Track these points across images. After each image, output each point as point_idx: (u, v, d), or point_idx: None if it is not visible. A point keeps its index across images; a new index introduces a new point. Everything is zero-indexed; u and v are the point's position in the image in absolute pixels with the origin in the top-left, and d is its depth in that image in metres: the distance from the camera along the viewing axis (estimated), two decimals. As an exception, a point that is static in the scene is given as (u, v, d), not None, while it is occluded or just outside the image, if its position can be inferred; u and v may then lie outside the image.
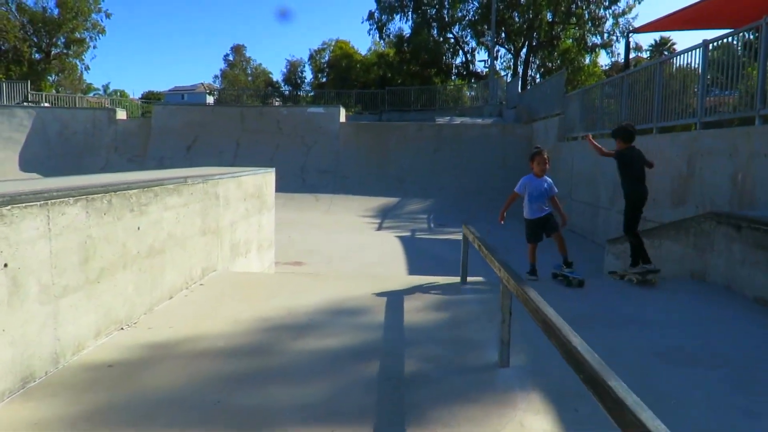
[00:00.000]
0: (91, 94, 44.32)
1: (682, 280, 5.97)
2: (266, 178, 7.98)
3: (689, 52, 8.55)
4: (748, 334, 4.11)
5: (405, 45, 36.25)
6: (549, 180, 5.81)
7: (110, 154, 19.31)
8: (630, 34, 17.83)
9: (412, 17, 35.86)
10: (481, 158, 18.30)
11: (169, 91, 70.67)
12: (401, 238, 12.54)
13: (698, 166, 7.93)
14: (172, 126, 19.72)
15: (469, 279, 5.58)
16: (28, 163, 18.52)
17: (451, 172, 18.19)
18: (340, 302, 4.66)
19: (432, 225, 14.67)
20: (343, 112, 20.38)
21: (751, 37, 7.04)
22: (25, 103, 22.63)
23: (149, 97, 57.22)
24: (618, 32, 32.37)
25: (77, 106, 26.30)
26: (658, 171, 9.24)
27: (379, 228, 14.06)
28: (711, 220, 5.68)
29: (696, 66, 8.34)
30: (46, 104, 23.67)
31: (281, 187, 18.58)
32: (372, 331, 3.92)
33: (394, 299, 4.75)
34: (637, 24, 30.10)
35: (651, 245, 6.95)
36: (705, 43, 8.06)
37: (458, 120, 21.57)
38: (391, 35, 37.13)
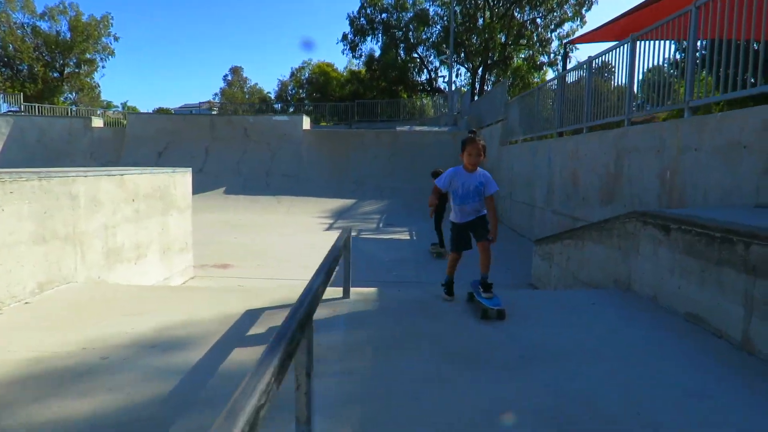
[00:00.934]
0: (111, 111, 42.77)
1: (605, 291, 4.59)
2: (175, 178, 6.45)
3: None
4: (681, 380, 2.71)
5: (375, 63, 34.86)
6: (486, 175, 3.80)
7: (86, 159, 17.54)
8: (568, 46, 16.55)
9: (381, 39, 34.52)
10: (434, 162, 16.85)
11: (179, 108, 68.57)
12: (347, 238, 11.05)
13: (626, 164, 6.58)
14: (145, 133, 17.99)
15: (357, 290, 4.14)
16: (6, 166, 16.71)
17: (405, 176, 16.82)
18: (169, 329, 3.17)
19: (381, 225, 13.24)
20: (306, 120, 18.84)
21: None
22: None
23: (160, 113, 55.67)
24: (563, 52, 31.29)
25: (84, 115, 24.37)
26: (588, 169, 7.91)
27: (329, 228, 12.58)
28: (636, 220, 4.29)
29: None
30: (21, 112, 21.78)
31: (246, 190, 17.22)
32: (163, 383, 2.43)
33: (240, 326, 3.28)
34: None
35: (574, 246, 5.57)
36: (589, 60, 6.86)
37: (417, 128, 20.21)
38: (363, 54, 35.72)
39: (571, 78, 9.46)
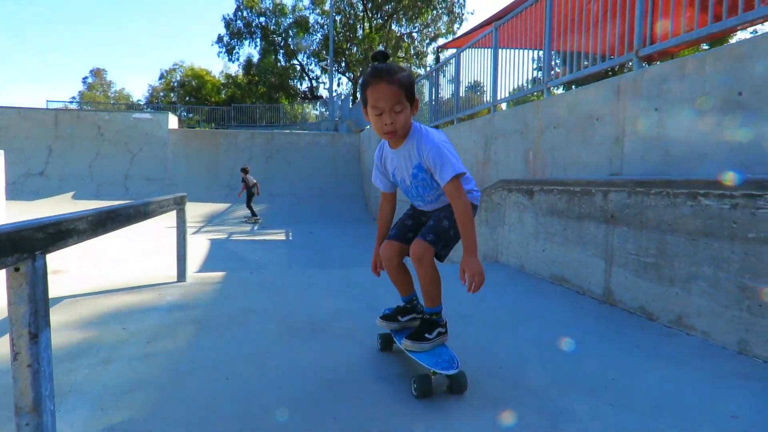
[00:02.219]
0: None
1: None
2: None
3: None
4: (545, 336, 2.48)
5: (254, 68, 33.60)
6: (426, 147, 1.72)
7: None
8: (440, 50, 17.18)
9: (260, 43, 33.42)
10: (313, 165, 16.46)
11: (44, 110, 60.25)
12: (213, 240, 10.11)
13: (493, 149, 6.66)
14: (-33, 130, 15.14)
15: (198, 275, 3.49)
16: None
17: (283, 179, 16.07)
18: None
19: (256, 228, 12.36)
20: (173, 118, 17.28)
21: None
22: None
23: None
24: (435, 56, 32.78)
25: None
26: (462, 159, 7.96)
27: (197, 232, 11.43)
28: (502, 188, 4.17)
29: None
30: None
31: (101, 195, 15.18)
32: None
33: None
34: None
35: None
36: (457, 52, 6.95)
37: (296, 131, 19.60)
38: (240, 58, 34.29)
39: (443, 73, 9.59)
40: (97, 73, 59.34)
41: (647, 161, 3.64)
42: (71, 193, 14.93)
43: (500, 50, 6.84)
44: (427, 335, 1.78)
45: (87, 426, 1.45)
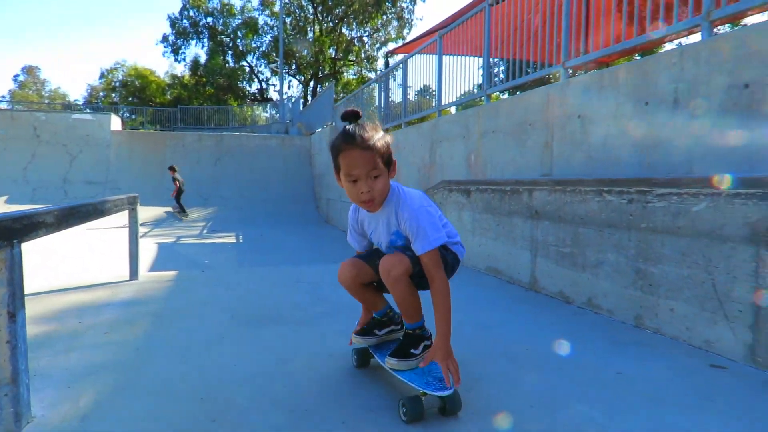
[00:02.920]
0: None
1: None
2: None
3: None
4: (480, 318, 2.78)
5: (201, 69, 32.93)
6: (406, 213, 1.61)
7: None
8: (389, 55, 17.57)
9: (207, 43, 32.78)
10: (263, 168, 16.39)
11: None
12: (162, 244, 9.96)
13: (438, 152, 7.01)
14: None
15: (150, 274, 3.58)
16: None
17: (232, 182, 15.92)
18: None
19: (205, 231, 12.24)
20: (116, 119, 16.77)
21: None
22: None
23: None
24: (385, 61, 33.24)
25: None
26: (408, 162, 8.28)
27: (144, 236, 11.19)
28: (443, 188, 4.50)
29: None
30: None
31: (37, 199, 14.52)
32: None
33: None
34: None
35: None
36: (404, 59, 7.32)
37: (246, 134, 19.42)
38: (187, 59, 33.51)
39: (393, 77, 9.91)
40: (29, 70, 56.29)
41: (572, 163, 4.04)
42: (4, 198, 14.21)
43: (447, 57, 7.21)
44: (413, 350, 1.65)
45: (57, 401, 1.59)
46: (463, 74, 6.68)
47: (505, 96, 6.45)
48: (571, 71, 4.49)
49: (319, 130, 15.75)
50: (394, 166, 1.62)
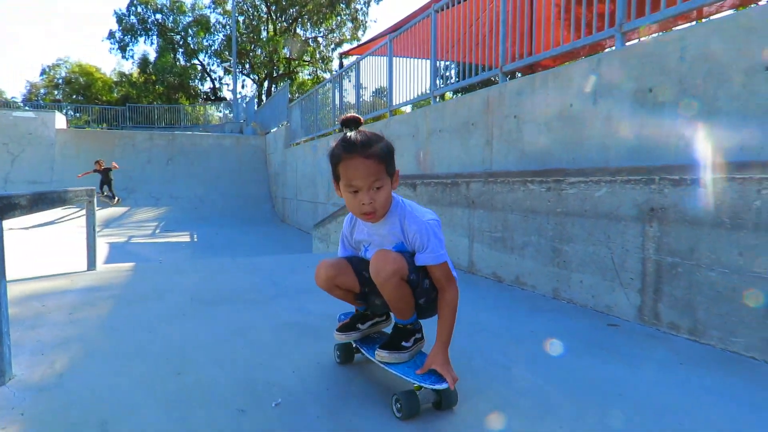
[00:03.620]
0: None
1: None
2: None
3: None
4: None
5: (150, 67, 32.06)
6: (414, 223, 1.52)
7: None
8: (342, 56, 17.83)
9: (157, 41, 31.95)
10: (217, 168, 16.27)
11: None
12: (113, 244, 9.81)
13: (390, 150, 7.32)
14: None
15: (108, 265, 3.69)
16: None
17: (185, 181, 15.73)
18: None
19: (158, 231, 12.09)
20: (61, 118, 16.23)
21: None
22: None
23: None
24: (339, 62, 33.42)
25: None
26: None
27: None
28: (391, 184, 4.82)
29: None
30: None
31: (-25, 199, 13.94)
32: None
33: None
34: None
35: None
36: (357, 60, 7.64)
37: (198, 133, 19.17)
38: (135, 56, 32.54)
39: (348, 78, 10.16)
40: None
41: (509, 159, 4.42)
42: (-62, 198, 13.51)
43: (398, 59, 7.52)
44: (404, 343, 1.59)
45: (33, 364, 1.76)
46: (413, 76, 7.02)
47: (455, 96, 6.81)
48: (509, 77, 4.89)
49: (274, 129, 15.80)
50: (397, 176, 1.54)
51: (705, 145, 2.49)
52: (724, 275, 1.94)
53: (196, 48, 32.57)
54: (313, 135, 11.93)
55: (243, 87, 34.28)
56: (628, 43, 3.55)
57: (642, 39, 3.51)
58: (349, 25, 31.60)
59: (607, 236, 2.47)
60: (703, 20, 3.68)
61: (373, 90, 9.02)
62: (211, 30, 32.24)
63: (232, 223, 13.67)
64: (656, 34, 4.02)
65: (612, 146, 3.27)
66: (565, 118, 3.69)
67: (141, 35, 31.72)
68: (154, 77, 31.76)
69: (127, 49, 31.68)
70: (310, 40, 32.30)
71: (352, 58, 11.07)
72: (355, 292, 1.69)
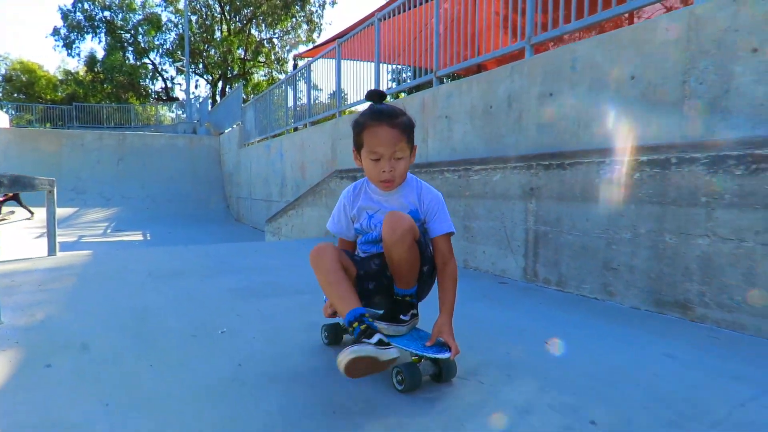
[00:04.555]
0: None
1: (315, 239, 5.43)
2: None
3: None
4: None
5: (98, 65, 31.24)
6: (424, 192, 1.69)
7: None
8: (296, 58, 18.16)
9: (105, 39, 31.16)
10: (170, 168, 16.24)
11: None
12: (63, 243, 9.77)
13: (339, 149, 7.77)
14: None
15: (67, 252, 3.98)
16: None
17: (137, 182, 15.64)
18: None
19: (109, 231, 12.08)
20: (4, 117, 15.81)
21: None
22: None
23: None
24: (293, 64, 33.58)
25: None
26: (312, 159, 8.98)
27: (42, 236, 10.88)
28: (335, 177, 5.27)
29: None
30: None
31: None
32: None
33: None
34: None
35: (296, 215, 6.34)
36: (308, 63, 8.10)
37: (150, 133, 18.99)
38: (81, 54, 31.59)
39: (304, 79, 10.55)
40: None
41: (442, 155, 4.96)
42: None
43: (348, 62, 7.98)
44: (402, 317, 1.62)
45: (16, 317, 2.12)
46: (361, 78, 7.51)
47: (398, 97, 7.33)
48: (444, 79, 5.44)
49: (228, 130, 15.94)
50: (415, 151, 1.61)
51: (575, 138, 3.08)
52: (577, 237, 2.52)
53: (146, 47, 31.99)
54: (267, 135, 12.23)
55: (196, 87, 33.92)
56: (536, 54, 4.16)
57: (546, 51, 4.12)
58: (305, 27, 31.84)
59: (502, 213, 3.02)
60: (592, 36, 4.33)
61: (330, 92, 9.44)
62: (163, 29, 31.76)
63: (185, 222, 13.75)
64: (558, 47, 4.67)
65: (522, 142, 3.85)
66: (487, 118, 4.26)
67: (88, 32, 30.87)
68: (102, 76, 30.97)
69: (73, 46, 30.78)
70: (265, 41, 32.33)
71: (308, 60, 11.46)
72: (352, 275, 1.57)
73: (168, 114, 28.72)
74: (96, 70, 31.11)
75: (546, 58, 3.72)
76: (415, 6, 5.82)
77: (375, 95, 1.63)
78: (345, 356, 1.24)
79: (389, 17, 6.49)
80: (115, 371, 1.52)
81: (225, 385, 1.42)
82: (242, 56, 32.30)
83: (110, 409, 1.27)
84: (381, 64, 6.90)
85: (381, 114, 1.54)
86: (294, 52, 32.39)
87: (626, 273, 2.28)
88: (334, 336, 1.78)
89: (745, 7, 2.33)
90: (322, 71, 9.08)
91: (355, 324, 1.33)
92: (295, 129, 10.68)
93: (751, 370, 1.55)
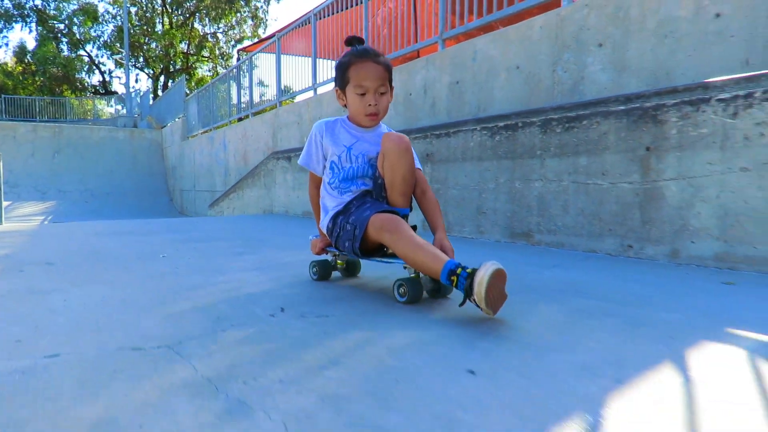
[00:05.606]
0: None
1: (257, 215, 5.87)
2: None
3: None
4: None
5: (28, 56, 29.87)
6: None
7: None
8: (240, 53, 18.30)
9: (37, 29, 29.83)
10: (110, 161, 16.03)
11: None
12: (-3, 233, 9.68)
13: (279, 137, 8.21)
14: None
15: (8, 224, 4.25)
16: None
17: (74, 175, 15.35)
18: None
19: (45, 224, 11.91)
20: (-74, 107, 15.08)
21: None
22: None
23: None
24: (237, 57, 33.35)
25: None
26: (254, 148, 9.36)
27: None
28: (272, 158, 5.73)
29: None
30: None
31: None
32: None
33: None
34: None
35: (237, 197, 6.74)
36: (250, 56, 8.49)
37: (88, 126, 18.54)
38: (9, 44, 30.10)
39: (249, 72, 10.86)
40: None
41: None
42: None
43: (288, 56, 8.41)
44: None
45: (-18, 252, 2.50)
46: (302, 71, 7.98)
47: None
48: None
49: (171, 123, 15.92)
50: (392, 92, 1.74)
51: (467, 113, 3.73)
52: (459, 191, 3.15)
53: (82, 38, 30.88)
54: (210, 127, 12.43)
55: (137, 81, 33.08)
56: (446, 48, 4.80)
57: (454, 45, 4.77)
58: (250, 22, 31.74)
59: (406, 177, 3.62)
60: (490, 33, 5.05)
61: (266, 84, 9.80)
62: (100, 20, 30.76)
63: (127, 216, 13.69)
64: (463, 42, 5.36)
65: (435, 123, 4.48)
66: (408, 104, 4.86)
67: (17, 21, 29.49)
68: (33, 67, 29.65)
69: (0, 35, 29.33)
70: (209, 36, 31.97)
71: (250, 54, 11.76)
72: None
73: (107, 108, 27.89)
74: (26, 61, 29.76)
75: (454, 51, 4.36)
76: (347, 8, 6.37)
77: (355, 39, 1.73)
78: (486, 270, 1.28)
79: (324, 16, 6.99)
80: (78, 270, 1.98)
81: (159, 276, 1.92)
82: (185, 50, 31.80)
83: (75, 283, 1.75)
84: (318, 60, 7.40)
85: (366, 52, 1.67)
86: (238, 46, 32.21)
87: (492, 215, 2.92)
88: (324, 271, 1.87)
89: (594, 9, 3.03)
90: (265, 64, 9.47)
91: (459, 270, 1.36)
92: (239, 120, 10.99)
93: (560, 263, 2.20)
